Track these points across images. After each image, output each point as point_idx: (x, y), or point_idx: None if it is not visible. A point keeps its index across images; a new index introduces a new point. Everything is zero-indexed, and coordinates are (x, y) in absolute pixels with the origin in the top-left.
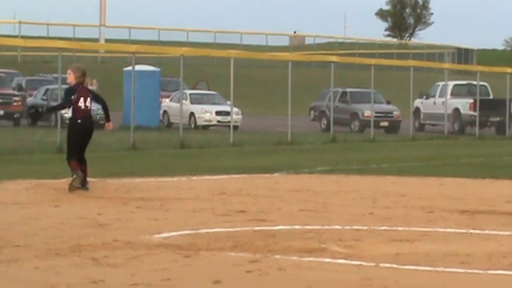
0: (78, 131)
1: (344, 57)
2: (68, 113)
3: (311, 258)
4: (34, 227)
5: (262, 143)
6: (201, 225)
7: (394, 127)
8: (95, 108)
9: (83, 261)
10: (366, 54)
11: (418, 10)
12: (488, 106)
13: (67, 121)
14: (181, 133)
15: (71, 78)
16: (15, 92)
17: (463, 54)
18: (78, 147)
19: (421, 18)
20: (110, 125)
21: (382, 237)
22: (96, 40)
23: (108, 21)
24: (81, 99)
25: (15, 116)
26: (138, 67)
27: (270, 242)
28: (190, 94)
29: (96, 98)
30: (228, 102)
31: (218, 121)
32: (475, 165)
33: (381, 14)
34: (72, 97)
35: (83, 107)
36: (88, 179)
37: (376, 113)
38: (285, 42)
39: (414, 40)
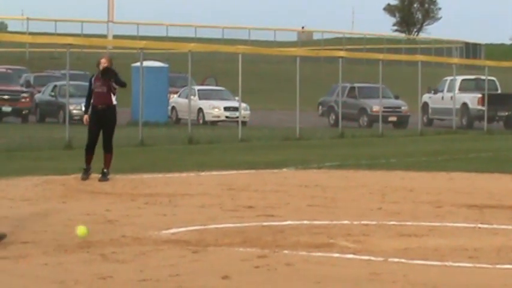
0: None
1: (352, 52)
2: (76, 110)
3: (320, 253)
4: (43, 224)
5: (270, 139)
6: (210, 220)
7: (402, 122)
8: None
9: (91, 258)
10: (374, 49)
11: (426, 5)
12: (496, 101)
13: (75, 117)
14: (189, 129)
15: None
16: (23, 89)
17: (471, 49)
18: None
19: (429, 13)
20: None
21: (391, 232)
22: (104, 36)
23: (116, 17)
24: None
25: (24, 112)
26: (146, 63)
27: (279, 237)
28: (198, 90)
29: None
30: (236, 98)
31: (226, 117)
32: (483, 159)
33: (389, 9)
34: None
35: None
36: (94, 175)
37: (384, 108)
38: (293, 37)
39: (422, 35)
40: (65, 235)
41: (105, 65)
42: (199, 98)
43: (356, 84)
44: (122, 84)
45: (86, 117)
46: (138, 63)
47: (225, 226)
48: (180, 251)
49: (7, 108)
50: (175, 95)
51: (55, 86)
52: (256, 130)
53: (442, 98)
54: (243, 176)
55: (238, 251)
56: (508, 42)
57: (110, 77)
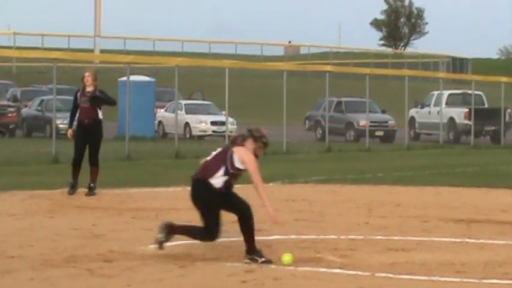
0: None
1: (339, 66)
2: (63, 124)
3: (307, 268)
4: (29, 238)
5: None
6: None
7: (389, 136)
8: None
9: (78, 272)
10: (360, 63)
11: (413, 20)
12: (483, 115)
13: (62, 132)
14: (176, 143)
15: (90, 81)
16: (10, 103)
17: (457, 64)
18: None
19: (416, 27)
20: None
21: (378, 247)
22: (91, 51)
23: (103, 32)
24: None
25: (10, 127)
26: (133, 77)
27: (266, 251)
28: (185, 104)
29: None
30: (223, 112)
31: (213, 131)
32: (470, 174)
33: (376, 24)
34: None
35: None
36: (81, 189)
37: (371, 122)
38: (279, 52)
39: (409, 49)
40: (52, 250)
41: (90, 82)
42: (186, 113)
43: (343, 99)
44: (113, 103)
45: (69, 131)
46: (125, 78)
47: None
48: (167, 266)
49: None
50: (162, 110)
51: (42, 100)
52: None
53: (429, 112)
54: None
55: (226, 265)
56: (494, 57)
57: (100, 104)
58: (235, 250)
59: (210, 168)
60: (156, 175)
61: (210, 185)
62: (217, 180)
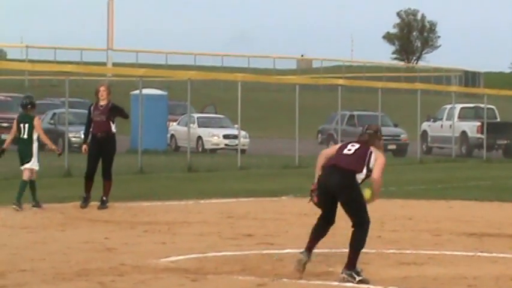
0: None
1: (351, 80)
2: (75, 137)
3: (319, 282)
4: (41, 252)
5: (269, 167)
6: (209, 248)
7: (401, 150)
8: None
9: (90, 286)
10: (373, 77)
11: (425, 33)
12: (495, 129)
13: (75, 145)
14: (188, 157)
15: (104, 96)
16: None
17: (470, 77)
18: None
19: (428, 41)
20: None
21: (390, 261)
22: (104, 64)
23: (115, 45)
24: None
25: None
26: (145, 91)
27: (278, 265)
28: (197, 118)
29: None
30: (236, 126)
31: (226, 144)
32: (482, 188)
33: (388, 37)
34: None
35: None
36: (93, 203)
37: (383, 136)
38: (292, 65)
39: (421, 63)
40: (64, 263)
41: (104, 96)
42: (199, 126)
43: (355, 112)
44: (127, 117)
45: (84, 146)
46: (137, 91)
47: (224, 254)
48: (179, 279)
49: (6, 136)
50: (175, 123)
51: (54, 113)
52: (255, 158)
53: (441, 126)
54: (242, 204)
55: (238, 279)
56: (506, 70)
57: (117, 115)
58: (248, 263)
59: (358, 165)
60: (169, 188)
61: (355, 180)
62: (359, 177)
